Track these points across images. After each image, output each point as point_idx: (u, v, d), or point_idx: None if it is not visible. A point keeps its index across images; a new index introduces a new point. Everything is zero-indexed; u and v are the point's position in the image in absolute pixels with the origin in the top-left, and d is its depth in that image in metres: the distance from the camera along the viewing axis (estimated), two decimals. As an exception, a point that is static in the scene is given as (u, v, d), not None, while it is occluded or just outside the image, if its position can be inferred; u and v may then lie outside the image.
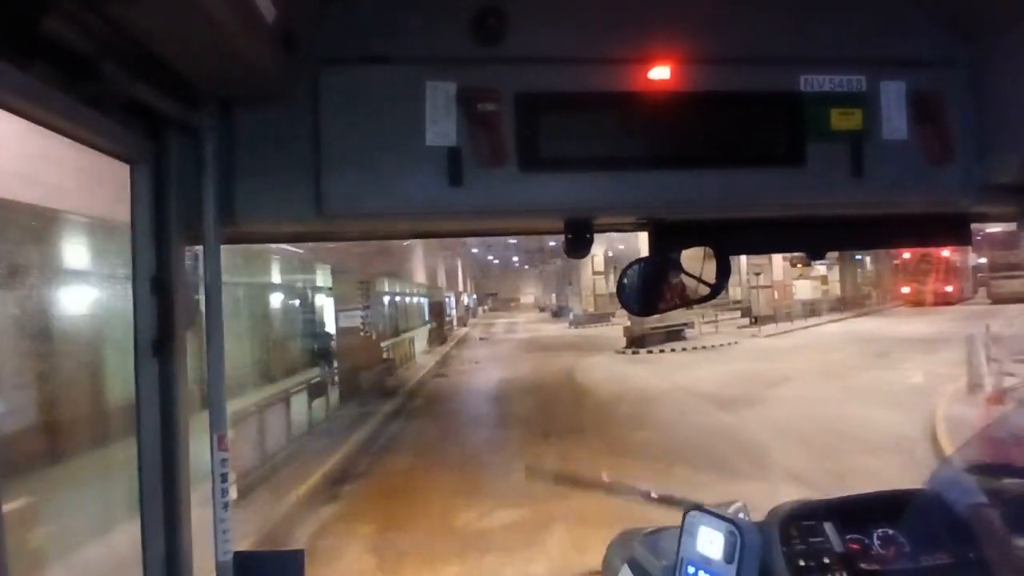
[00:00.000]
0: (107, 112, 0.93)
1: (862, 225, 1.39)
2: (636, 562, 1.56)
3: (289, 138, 1.12)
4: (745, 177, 1.20)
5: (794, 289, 34.41)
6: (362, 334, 13.44)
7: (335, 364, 12.68)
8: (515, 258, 62.88)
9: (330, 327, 15.53)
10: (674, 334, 24.21)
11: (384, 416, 11.75)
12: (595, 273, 40.82)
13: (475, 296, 71.25)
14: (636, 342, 22.57)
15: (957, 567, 1.31)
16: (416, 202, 1.14)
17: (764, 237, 1.41)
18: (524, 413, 12.27)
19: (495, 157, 1.13)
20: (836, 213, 1.32)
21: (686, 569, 1.29)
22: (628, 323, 23.35)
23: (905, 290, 41.39)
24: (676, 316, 24.20)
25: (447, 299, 47.36)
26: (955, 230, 1.42)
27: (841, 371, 15.06)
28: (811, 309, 33.45)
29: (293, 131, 1.12)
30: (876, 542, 1.41)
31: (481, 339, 34.82)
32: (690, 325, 25.57)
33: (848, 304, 37.21)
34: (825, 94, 1.20)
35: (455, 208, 1.15)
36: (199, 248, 1.12)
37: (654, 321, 22.71)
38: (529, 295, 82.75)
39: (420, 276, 29.55)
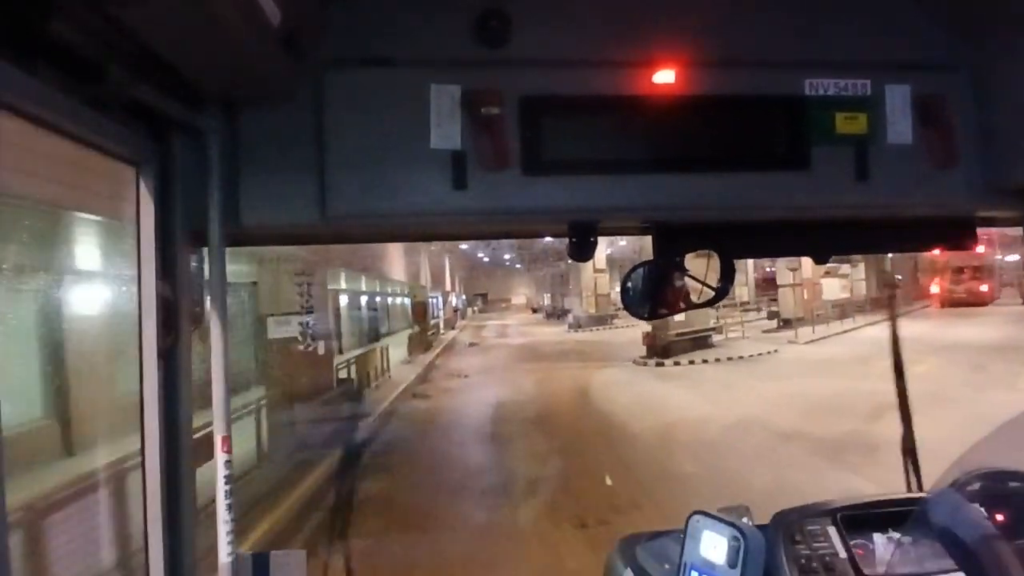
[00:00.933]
0: (112, 114, 0.93)
1: (867, 229, 1.37)
2: (639, 567, 1.54)
3: (293, 140, 1.12)
4: (750, 181, 1.19)
5: (821, 288, 30.67)
6: (303, 348, 9.40)
7: (255, 395, 8.61)
8: (507, 256, 58.93)
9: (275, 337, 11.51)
10: (701, 341, 20.37)
11: (323, 476, 7.71)
12: (596, 271, 37.00)
13: (464, 297, 67.54)
14: (660, 351, 18.68)
15: (961, 572, 1.28)
16: (420, 205, 1.13)
17: (769, 241, 1.38)
18: (537, 468, 8.28)
19: (499, 160, 1.12)
20: (841, 217, 1.30)
21: (689, 574, 1.25)
22: (648, 328, 19.46)
23: (934, 289, 38.36)
24: (700, 320, 20.39)
25: (433, 300, 43.41)
26: (960, 234, 1.38)
27: (948, 392, 11.23)
28: (841, 311, 29.83)
29: (297, 133, 1.12)
30: (880, 547, 1.44)
31: (471, 345, 30.82)
32: (718, 330, 21.70)
33: (875, 305, 33.62)
34: (830, 98, 1.20)
35: (459, 211, 1.14)
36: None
37: (679, 326, 18.89)
38: (521, 295, 79.34)
39: (398, 272, 25.58)
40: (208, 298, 1.12)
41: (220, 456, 1.08)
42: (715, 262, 1.33)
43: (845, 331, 24.80)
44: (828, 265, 31.23)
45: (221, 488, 1.08)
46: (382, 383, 15.88)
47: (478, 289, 75.95)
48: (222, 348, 1.11)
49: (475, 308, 72.96)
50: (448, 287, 47.06)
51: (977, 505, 1.32)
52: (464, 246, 45.27)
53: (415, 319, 27.58)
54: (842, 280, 32.09)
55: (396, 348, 22.41)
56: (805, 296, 28.43)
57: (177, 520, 1.09)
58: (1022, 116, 1.16)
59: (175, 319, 1.09)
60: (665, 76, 1.16)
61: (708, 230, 1.29)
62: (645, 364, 18.34)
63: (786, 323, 26.95)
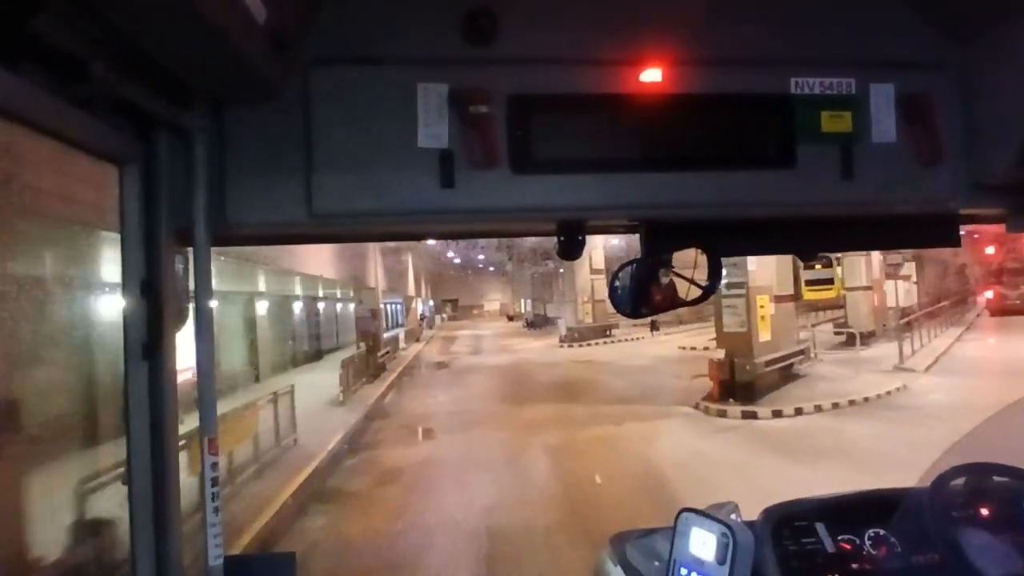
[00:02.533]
0: (96, 113, 0.92)
1: (853, 226, 1.37)
2: (629, 564, 1.54)
3: (280, 139, 1.10)
4: (737, 179, 1.18)
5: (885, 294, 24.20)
6: None
7: None
8: (481, 256, 51.68)
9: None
10: (786, 369, 13.45)
11: None
12: (593, 272, 30.09)
13: (432, 303, 60.22)
14: (740, 391, 11.66)
15: (947, 566, 1.30)
16: (408, 204, 1.11)
17: (756, 238, 1.37)
18: None
19: (487, 159, 1.10)
20: (827, 214, 1.29)
21: (679, 571, 1.22)
22: (716, 353, 12.49)
23: (988, 295, 32.84)
24: (787, 338, 13.54)
25: (393, 306, 35.86)
26: (944, 231, 1.39)
27: None
28: (908, 321, 23.53)
29: (284, 132, 1.10)
30: (867, 542, 1.43)
31: (439, 366, 23.53)
32: (804, 352, 14.78)
33: (930, 314, 27.50)
34: (815, 96, 1.19)
35: (447, 210, 1.12)
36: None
37: (765, 348, 12.00)
38: (494, 301, 72.54)
39: (323, 269, 17.94)
40: (194, 298, 1.09)
41: (207, 458, 1.06)
42: (703, 260, 1.32)
43: (946, 350, 18.28)
44: (887, 264, 25.04)
45: (208, 491, 1.05)
46: (266, 470, 8.48)
47: (447, 294, 68.72)
48: (208, 348, 1.08)
49: (444, 315, 65.76)
50: (412, 291, 39.57)
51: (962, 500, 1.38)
52: (431, 241, 38.08)
53: (362, 333, 20.13)
54: (904, 283, 25.69)
55: (326, 375, 15.12)
56: (876, 302, 21.98)
57: (164, 519, 1.06)
58: (1005, 113, 1.16)
59: (160, 319, 1.07)
60: (652, 75, 1.15)
61: (696, 228, 1.28)
62: (722, 414, 11.27)
63: (862, 338, 20.45)
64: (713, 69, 1.16)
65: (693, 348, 23.88)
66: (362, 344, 18.92)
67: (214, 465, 1.06)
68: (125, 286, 1.05)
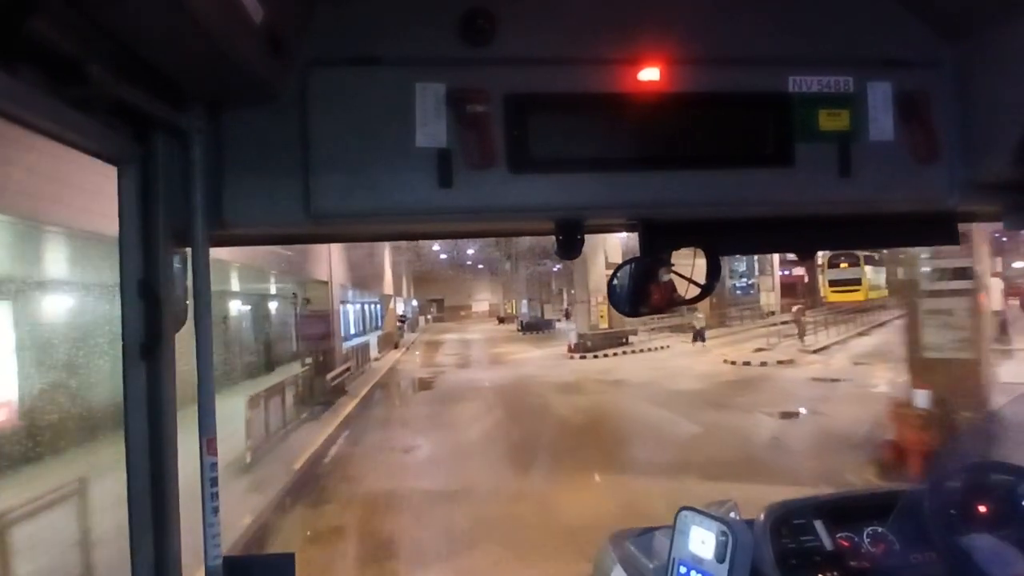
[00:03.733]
0: (94, 114, 0.92)
1: (851, 225, 1.38)
2: (628, 562, 1.55)
3: (278, 140, 1.11)
4: (735, 177, 1.19)
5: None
6: None
7: None
8: (471, 251, 46.26)
9: None
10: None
11: None
12: (609, 267, 24.73)
13: (415, 303, 54.72)
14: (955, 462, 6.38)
15: (945, 565, 1.32)
16: (406, 204, 1.12)
17: (754, 237, 1.39)
18: None
19: (485, 158, 1.11)
20: (825, 213, 1.31)
21: (678, 569, 1.23)
22: (919, 391, 7.14)
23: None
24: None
25: (368, 306, 30.33)
26: (942, 229, 1.40)
27: None
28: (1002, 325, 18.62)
29: (282, 132, 1.10)
30: (866, 540, 1.47)
31: (420, 385, 18.01)
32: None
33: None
34: (813, 95, 1.20)
35: (445, 210, 1.13)
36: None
37: (964, 369, 6.64)
38: (483, 301, 67.13)
39: (239, 255, 12.79)
40: (192, 298, 1.10)
41: (206, 459, 1.06)
42: (702, 258, 1.33)
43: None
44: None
45: (207, 491, 1.05)
46: None
47: (432, 293, 63.20)
48: (206, 348, 1.09)
49: (428, 316, 60.24)
50: (390, 289, 34.00)
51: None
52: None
53: (307, 345, 14.57)
54: (1000, 281, 20.68)
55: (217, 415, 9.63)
56: (988, 304, 16.88)
57: (163, 520, 1.07)
58: (1001, 112, 1.16)
59: (158, 319, 1.08)
60: (650, 73, 1.15)
61: (694, 227, 1.29)
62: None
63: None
64: (711, 68, 1.17)
65: (747, 363, 18.70)
66: (308, 360, 13.38)
67: (213, 466, 1.06)
68: (123, 287, 1.06)
